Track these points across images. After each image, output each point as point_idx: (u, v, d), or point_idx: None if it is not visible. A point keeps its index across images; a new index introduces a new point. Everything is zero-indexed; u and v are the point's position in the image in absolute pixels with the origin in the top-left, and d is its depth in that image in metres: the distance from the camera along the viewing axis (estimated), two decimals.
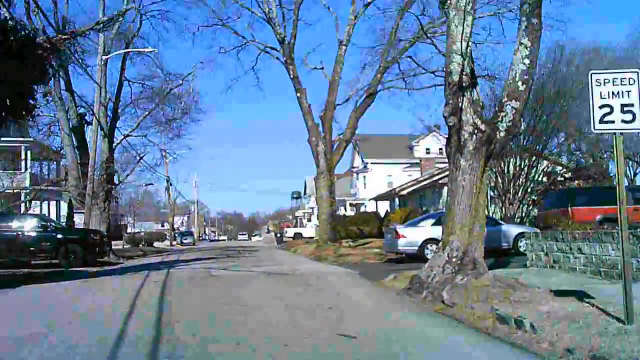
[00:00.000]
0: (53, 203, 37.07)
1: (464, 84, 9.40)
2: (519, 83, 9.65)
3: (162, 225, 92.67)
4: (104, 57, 22.89)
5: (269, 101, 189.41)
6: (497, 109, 9.94)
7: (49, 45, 11.37)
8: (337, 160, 24.90)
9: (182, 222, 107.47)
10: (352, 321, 7.15)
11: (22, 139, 30.83)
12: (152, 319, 7.25)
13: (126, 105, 25.79)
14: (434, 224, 16.51)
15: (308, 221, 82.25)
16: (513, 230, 17.15)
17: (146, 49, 23.53)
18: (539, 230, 15.98)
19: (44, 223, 19.06)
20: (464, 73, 9.38)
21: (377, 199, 45.15)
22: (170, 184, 57.07)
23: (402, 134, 58.48)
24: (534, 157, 27.27)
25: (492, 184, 28.79)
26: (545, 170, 28.66)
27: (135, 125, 25.26)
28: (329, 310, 7.90)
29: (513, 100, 9.62)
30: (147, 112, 25.14)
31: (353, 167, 60.75)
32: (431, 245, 16.03)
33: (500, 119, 9.63)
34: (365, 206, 53.26)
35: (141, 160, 29.12)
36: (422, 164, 43.88)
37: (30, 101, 11.40)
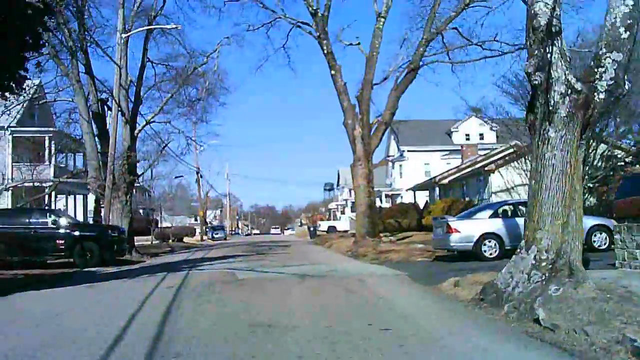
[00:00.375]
0: (80, 197, 36.08)
1: (553, 29, 7.12)
2: (621, 30, 7.36)
3: (196, 220, 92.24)
4: (123, 35, 21.22)
5: (301, 86, 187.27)
6: (592, 63, 7.62)
7: (42, 6, 9.53)
8: (375, 145, 22.66)
9: (215, 216, 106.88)
10: (420, 354, 5.07)
11: (45, 128, 29.73)
12: (144, 348, 5.33)
13: (149, 88, 23.97)
14: (491, 216, 14.21)
15: (342, 214, 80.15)
16: (585, 222, 14.60)
17: (169, 26, 21.71)
18: (614, 222, 13.55)
19: (57, 219, 17.51)
20: (554, 15, 7.10)
21: (415, 189, 42.72)
22: (201, 176, 55.76)
23: (440, 119, 55.87)
24: (592, 140, 24.61)
25: None
26: (604, 154, 25.89)
27: (157, 109, 23.40)
28: (384, 334, 5.83)
29: (614, 52, 7.33)
30: (170, 95, 23.21)
31: (388, 156, 58.30)
32: (489, 242, 13.80)
33: (598, 75, 7.34)
34: (402, 197, 50.85)
35: (166, 148, 27.28)
36: (463, 151, 41.19)
37: (20, 72, 9.63)
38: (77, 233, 17.51)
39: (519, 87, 27.19)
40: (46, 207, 24.66)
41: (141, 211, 62.99)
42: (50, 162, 31.60)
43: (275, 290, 9.59)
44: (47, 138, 30.52)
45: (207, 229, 63.03)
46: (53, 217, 17.58)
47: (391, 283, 10.63)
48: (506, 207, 14.71)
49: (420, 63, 22.54)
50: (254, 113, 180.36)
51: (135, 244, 36.49)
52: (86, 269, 16.24)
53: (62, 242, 17.21)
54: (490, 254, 13.68)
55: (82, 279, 13.22)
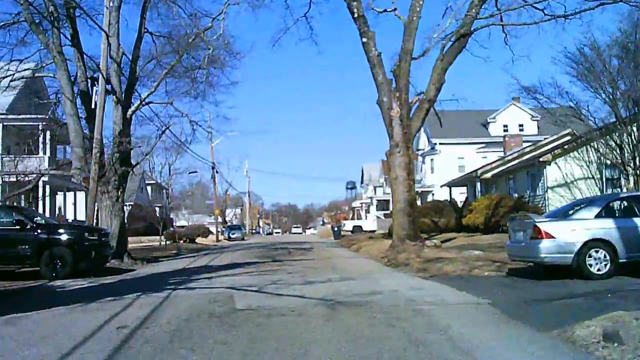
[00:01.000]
0: (82, 194, 32.79)
1: None
2: None
3: (216, 219, 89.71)
4: None
5: (324, 67, 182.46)
6: None
7: None
8: (417, 128, 18.59)
9: (235, 215, 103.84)
10: None
11: (33, 115, 26.38)
12: None
13: (147, 62, 20.09)
14: (598, 216, 10.05)
15: (367, 213, 76.21)
16: None
17: None
18: None
19: (20, 218, 13.90)
20: None
21: (451, 184, 38.43)
22: (217, 172, 52.30)
23: (475, 109, 51.22)
24: None
25: (615, 158, 22.06)
26: None
27: (154, 86, 19.45)
28: None
29: None
30: (169, 66, 19.27)
31: (418, 149, 53.98)
32: (597, 252, 9.68)
33: None
34: (433, 194, 46.58)
35: (171, 137, 23.48)
36: (506, 141, 36.78)
37: None
38: (45, 236, 13.91)
39: (584, 63, 22.94)
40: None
41: (157, 210, 60.04)
42: (44, 153, 28.42)
43: (289, 340, 5.68)
44: (40, 125, 27.27)
45: (225, 229, 59.72)
46: (14, 215, 13.99)
47: (477, 322, 6.62)
48: (616, 203, 10.56)
49: (472, 28, 18.43)
50: (271, 102, 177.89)
51: (142, 245, 33.20)
52: (51, 283, 12.69)
53: (26, 247, 13.63)
54: (599, 270, 9.60)
55: (26, 301, 9.60)
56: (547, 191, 25.34)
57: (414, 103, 18.64)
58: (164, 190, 69.79)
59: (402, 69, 18.44)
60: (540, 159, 25.63)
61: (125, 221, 28.61)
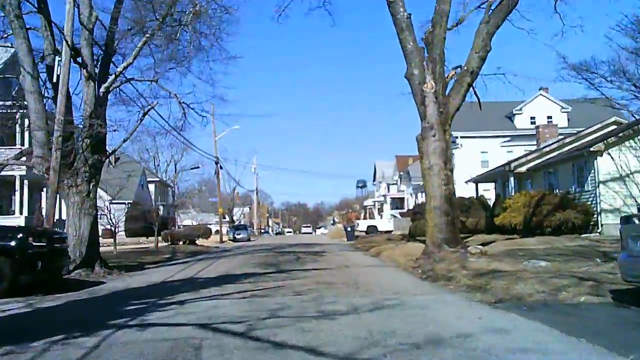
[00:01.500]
0: None
1: None
2: None
3: (224, 217, 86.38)
4: None
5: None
6: None
7: None
8: (456, 107, 15.03)
9: (244, 214, 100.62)
10: None
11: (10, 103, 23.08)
12: None
13: (128, 31, 16.52)
14: None
15: (380, 211, 72.59)
16: None
17: None
18: None
19: None
20: None
21: (478, 180, 34.78)
22: (221, 167, 49.00)
23: (498, 100, 47.61)
24: None
25: None
26: None
27: (132, 55, 15.80)
28: None
29: None
30: (151, 31, 15.55)
31: None
32: None
33: None
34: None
35: (152, 118, 20.03)
36: (540, 132, 33.00)
37: None
38: None
39: None
40: None
41: (160, 209, 56.88)
42: (22, 144, 25.22)
43: None
44: (18, 115, 24.01)
45: (230, 229, 56.49)
46: None
47: None
48: None
49: None
50: (277, 94, 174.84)
51: (137, 247, 29.94)
52: None
53: None
54: None
55: None
56: (598, 186, 21.72)
57: (450, 77, 15.10)
58: (169, 188, 66.72)
59: (436, 35, 14.91)
60: (591, 149, 21.97)
61: (127, 222, 25.37)
